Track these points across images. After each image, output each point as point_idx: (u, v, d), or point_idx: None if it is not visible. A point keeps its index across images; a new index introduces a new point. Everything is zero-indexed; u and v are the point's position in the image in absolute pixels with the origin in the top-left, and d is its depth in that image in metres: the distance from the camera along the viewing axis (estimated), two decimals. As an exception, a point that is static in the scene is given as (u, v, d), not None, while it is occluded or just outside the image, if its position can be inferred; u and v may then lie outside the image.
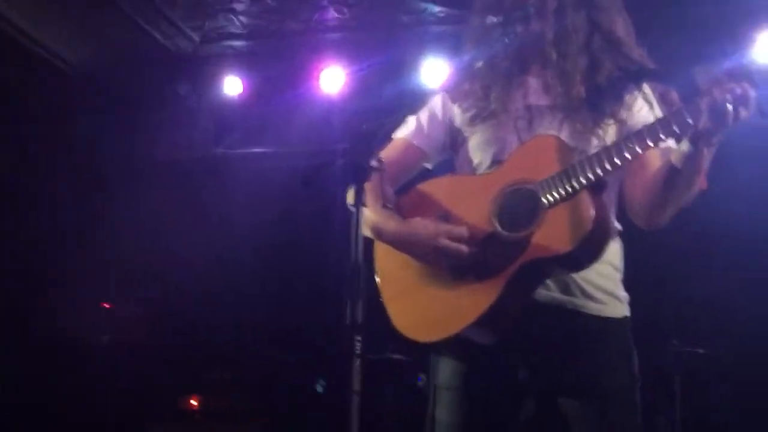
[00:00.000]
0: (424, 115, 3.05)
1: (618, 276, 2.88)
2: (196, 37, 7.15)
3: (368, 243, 2.88)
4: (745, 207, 5.88)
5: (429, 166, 3.11)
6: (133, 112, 7.47)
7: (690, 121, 2.48)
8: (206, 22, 6.96)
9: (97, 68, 7.10)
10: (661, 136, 2.53)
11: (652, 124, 2.58)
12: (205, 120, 7.66)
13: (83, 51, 6.96)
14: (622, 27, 2.92)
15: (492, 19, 2.81)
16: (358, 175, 2.47)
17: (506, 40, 2.80)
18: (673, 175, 2.63)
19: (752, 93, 2.41)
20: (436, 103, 3.06)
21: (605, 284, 2.81)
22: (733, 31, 5.85)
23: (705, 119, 2.45)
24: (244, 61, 7.35)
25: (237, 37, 7.16)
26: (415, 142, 3.05)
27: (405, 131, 3.06)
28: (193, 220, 7.24)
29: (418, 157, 3.07)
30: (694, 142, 2.52)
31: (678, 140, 2.59)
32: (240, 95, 7.35)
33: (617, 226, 2.87)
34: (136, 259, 6.98)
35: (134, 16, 6.65)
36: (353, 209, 2.47)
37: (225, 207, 7.34)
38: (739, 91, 2.40)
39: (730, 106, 2.40)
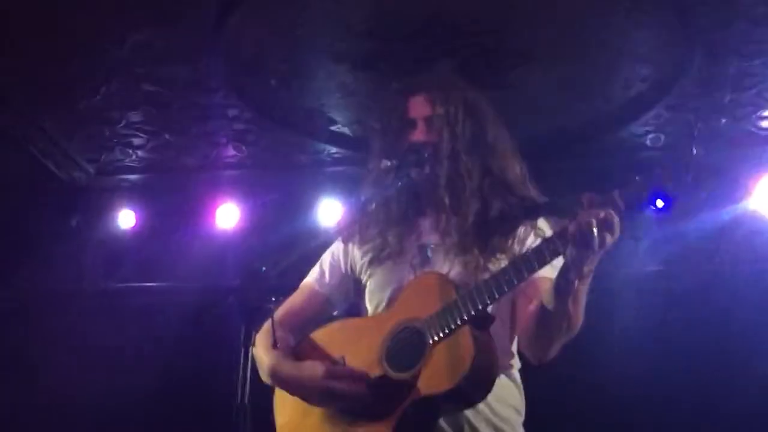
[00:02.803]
0: (326, 262, 3.10)
1: (517, 419, 2.86)
2: (91, 168, 7.07)
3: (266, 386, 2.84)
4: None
5: (335, 312, 3.11)
6: (23, 243, 7.30)
7: (561, 248, 2.48)
8: (103, 154, 6.90)
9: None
10: (535, 265, 2.54)
11: (525, 254, 2.60)
12: (97, 253, 7.50)
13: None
14: (514, 170, 2.98)
15: (386, 163, 2.86)
16: (249, 314, 2.43)
17: (399, 184, 2.84)
18: (544, 311, 2.62)
19: (616, 219, 2.40)
20: (338, 249, 3.10)
21: (502, 427, 2.78)
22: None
23: (571, 245, 2.44)
24: (139, 195, 7.27)
25: (133, 170, 7.10)
26: (318, 288, 3.08)
27: (310, 278, 3.10)
28: (81, 355, 7.01)
29: (323, 304, 3.09)
30: (565, 273, 2.51)
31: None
32: (133, 228, 7.23)
33: (516, 362, 2.87)
34: (20, 395, 6.72)
35: (28, 145, 6.56)
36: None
37: (114, 342, 7.13)
38: (602, 215, 2.39)
39: (594, 230, 2.38)
